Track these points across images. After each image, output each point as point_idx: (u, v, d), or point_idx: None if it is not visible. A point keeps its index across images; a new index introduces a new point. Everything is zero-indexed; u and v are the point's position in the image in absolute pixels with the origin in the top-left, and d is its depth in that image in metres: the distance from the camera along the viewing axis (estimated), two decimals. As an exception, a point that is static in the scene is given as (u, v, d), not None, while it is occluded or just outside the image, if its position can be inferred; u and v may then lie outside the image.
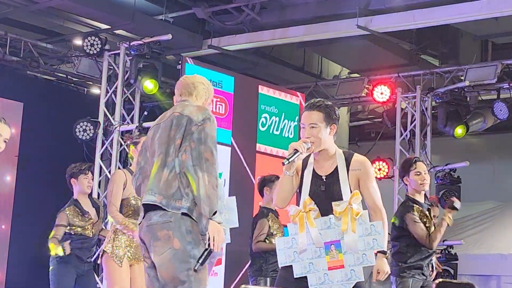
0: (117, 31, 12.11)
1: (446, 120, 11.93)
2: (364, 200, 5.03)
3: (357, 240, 4.82)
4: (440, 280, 6.93)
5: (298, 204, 5.05)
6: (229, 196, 10.46)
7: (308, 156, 5.07)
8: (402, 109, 12.48)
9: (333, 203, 4.87)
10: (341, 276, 4.84)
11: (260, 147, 11.20)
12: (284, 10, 12.08)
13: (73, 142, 10.78)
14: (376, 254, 4.92)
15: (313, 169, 5.03)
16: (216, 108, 10.66)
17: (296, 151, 4.86)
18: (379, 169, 12.84)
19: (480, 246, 13.38)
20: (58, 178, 8.38)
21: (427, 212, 7.00)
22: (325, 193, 4.93)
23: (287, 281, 4.98)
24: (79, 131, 10.80)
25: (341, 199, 4.89)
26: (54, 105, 11.69)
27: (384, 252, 4.96)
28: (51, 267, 7.96)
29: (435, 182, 12.32)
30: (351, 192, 4.92)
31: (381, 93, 12.39)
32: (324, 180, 4.98)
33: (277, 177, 8.19)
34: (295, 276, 4.91)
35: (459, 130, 11.95)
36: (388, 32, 11.84)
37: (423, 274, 6.96)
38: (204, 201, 4.62)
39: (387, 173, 12.66)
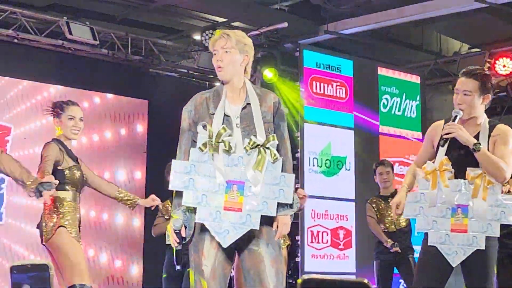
0: (234, 23, 12.26)
1: None
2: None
3: (486, 208, 4.81)
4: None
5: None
6: (355, 180, 10.52)
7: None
8: (526, 80, 12.20)
9: (468, 168, 4.86)
10: (463, 240, 4.83)
11: (383, 128, 11.15)
12: (399, -11, 11.95)
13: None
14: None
15: None
16: (336, 92, 10.67)
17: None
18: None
19: None
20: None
21: None
22: (464, 157, 4.89)
23: (428, 253, 4.97)
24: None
25: (478, 166, 4.86)
26: (178, 100, 11.86)
27: None
28: None
29: None
30: None
31: (504, 65, 12.15)
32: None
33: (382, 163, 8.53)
34: (417, 230, 4.96)
35: None
36: (507, 3, 11.57)
37: None
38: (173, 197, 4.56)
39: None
